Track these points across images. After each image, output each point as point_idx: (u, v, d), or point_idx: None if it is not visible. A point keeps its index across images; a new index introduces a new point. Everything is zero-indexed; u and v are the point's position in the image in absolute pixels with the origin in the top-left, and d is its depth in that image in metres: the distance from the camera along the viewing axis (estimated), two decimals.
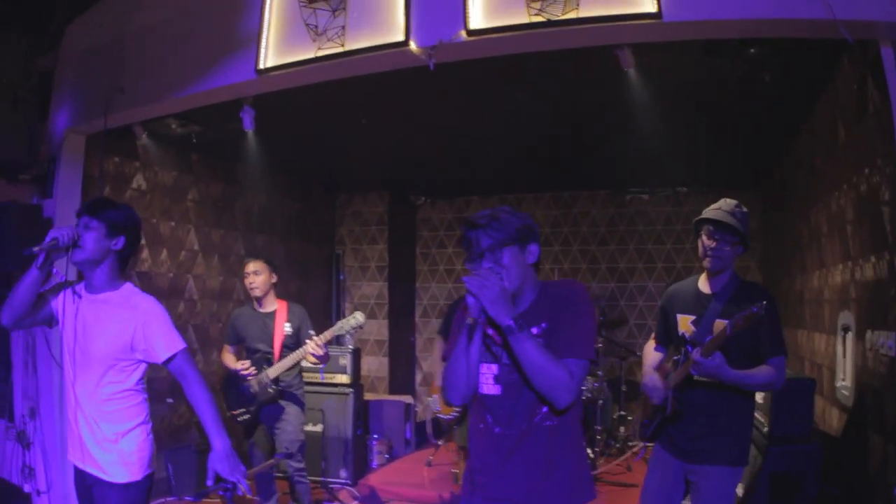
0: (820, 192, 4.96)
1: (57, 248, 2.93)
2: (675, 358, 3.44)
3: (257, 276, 5.14)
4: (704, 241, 3.35)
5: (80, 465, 3.09)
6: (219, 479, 3.03)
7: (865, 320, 3.85)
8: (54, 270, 3.13)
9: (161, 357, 3.06)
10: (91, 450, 3.04)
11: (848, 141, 4.23)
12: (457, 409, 5.48)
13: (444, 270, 9.78)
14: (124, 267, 3.18)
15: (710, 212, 3.36)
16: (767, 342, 3.21)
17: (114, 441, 3.04)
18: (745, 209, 3.36)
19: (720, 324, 3.17)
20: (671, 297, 3.58)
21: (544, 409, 2.48)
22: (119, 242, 3.08)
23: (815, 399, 4.47)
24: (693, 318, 3.39)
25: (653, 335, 3.74)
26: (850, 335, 4.16)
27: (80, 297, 3.10)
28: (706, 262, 3.36)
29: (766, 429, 4.19)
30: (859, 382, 3.98)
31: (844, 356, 4.25)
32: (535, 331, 2.46)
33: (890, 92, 3.26)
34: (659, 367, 3.61)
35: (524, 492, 2.49)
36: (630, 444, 7.23)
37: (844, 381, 4.24)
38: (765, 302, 2.88)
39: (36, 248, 2.90)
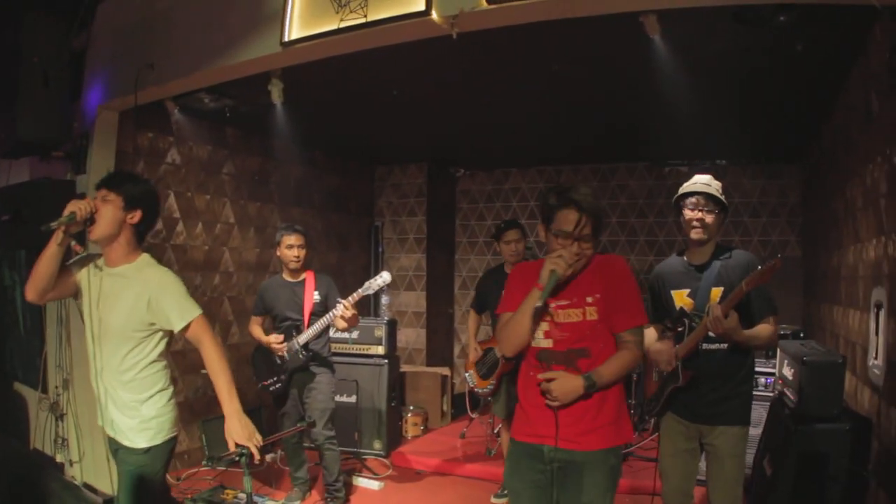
0: (855, 164, 4.78)
1: (74, 223, 2.96)
2: (679, 329, 3.56)
3: (301, 249, 5.25)
4: (688, 214, 3.56)
5: (108, 432, 3.18)
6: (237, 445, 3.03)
7: None
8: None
9: (176, 326, 3.10)
10: (114, 417, 3.11)
11: (881, 112, 4.04)
12: (491, 382, 5.55)
13: (483, 242, 9.75)
14: (141, 241, 3.22)
15: (691, 186, 3.64)
16: (761, 302, 3.42)
17: (135, 408, 3.09)
18: (718, 182, 3.66)
19: (717, 291, 3.43)
20: (660, 276, 3.78)
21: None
22: (136, 216, 3.12)
23: (848, 378, 4.35)
24: (688, 291, 3.58)
25: None
26: (882, 312, 4.02)
27: (100, 270, 3.15)
28: (694, 234, 3.55)
29: (793, 406, 4.09)
30: (890, 361, 3.86)
31: (877, 333, 4.12)
32: (589, 300, 2.81)
33: None
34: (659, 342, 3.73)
35: (575, 432, 2.79)
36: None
37: (876, 360, 4.10)
38: (779, 255, 3.16)
39: (53, 224, 2.92)
